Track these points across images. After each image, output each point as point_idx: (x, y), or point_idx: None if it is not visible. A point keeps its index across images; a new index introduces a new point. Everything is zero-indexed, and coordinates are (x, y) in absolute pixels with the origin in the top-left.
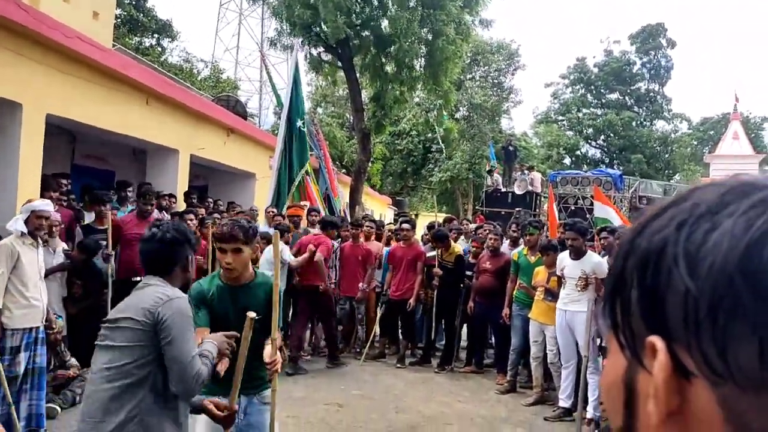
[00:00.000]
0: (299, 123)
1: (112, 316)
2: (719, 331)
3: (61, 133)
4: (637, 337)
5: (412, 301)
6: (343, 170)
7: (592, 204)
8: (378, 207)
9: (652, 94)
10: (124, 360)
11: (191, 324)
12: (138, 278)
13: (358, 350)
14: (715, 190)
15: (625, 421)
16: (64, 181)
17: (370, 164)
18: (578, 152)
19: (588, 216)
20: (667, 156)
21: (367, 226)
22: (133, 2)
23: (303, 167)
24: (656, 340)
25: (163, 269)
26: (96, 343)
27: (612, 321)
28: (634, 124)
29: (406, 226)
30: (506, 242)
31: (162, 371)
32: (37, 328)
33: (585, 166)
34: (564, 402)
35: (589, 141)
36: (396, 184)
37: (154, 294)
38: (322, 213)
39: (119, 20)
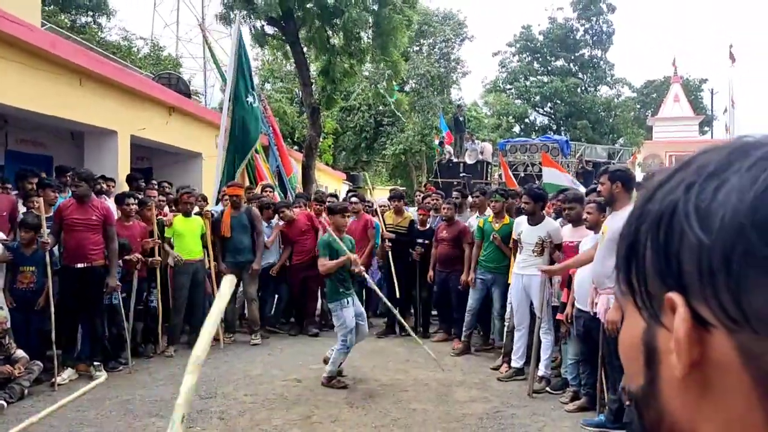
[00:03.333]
0: (249, 98)
1: None
2: (733, 279)
3: None
4: (655, 298)
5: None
6: (295, 147)
7: (540, 170)
8: (332, 183)
9: (595, 60)
10: None
11: None
12: (82, 264)
13: (323, 322)
14: (719, 151)
15: (647, 380)
16: None
17: (321, 140)
18: (527, 120)
19: (537, 182)
20: (611, 121)
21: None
22: None
23: (252, 145)
24: (674, 296)
25: None
26: None
27: (628, 285)
28: (579, 90)
29: (354, 199)
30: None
31: None
32: None
33: (534, 133)
34: (516, 362)
35: (537, 108)
36: (349, 159)
37: None
38: (276, 192)
39: None
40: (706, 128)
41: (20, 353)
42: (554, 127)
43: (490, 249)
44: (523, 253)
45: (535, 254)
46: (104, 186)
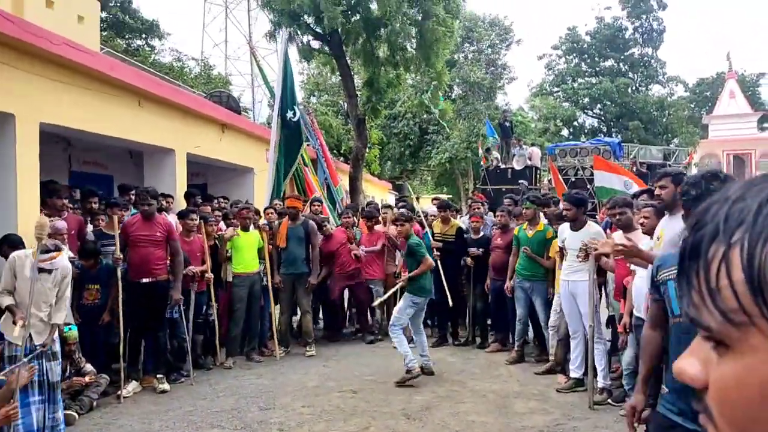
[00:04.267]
0: (289, 114)
1: None
2: None
3: (56, 141)
4: None
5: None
6: (341, 158)
7: (592, 174)
8: (378, 193)
9: (645, 58)
10: None
11: None
12: (147, 279)
13: (376, 332)
14: None
15: None
16: (64, 201)
17: (367, 150)
18: (575, 123)
19: (589, 186)
20: (664, 120)
21: (383, 213)
22: (118, 4)
23: (296, 159)
24: None
25: None
26: None
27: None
28: (629, 90)
29: (403, 210)
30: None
31: None
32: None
33: (583, 136)
34: (575, 372)
35: (586, 111)
36: (395, 168)
37: None
38: (325, 203)
39: (105, 23)
40: (766, 124)
41: (89, 367)
42: (605, 129)
43: (524, 257)
44: (567, 259)
45: (580, 260)
46: (164, 203)
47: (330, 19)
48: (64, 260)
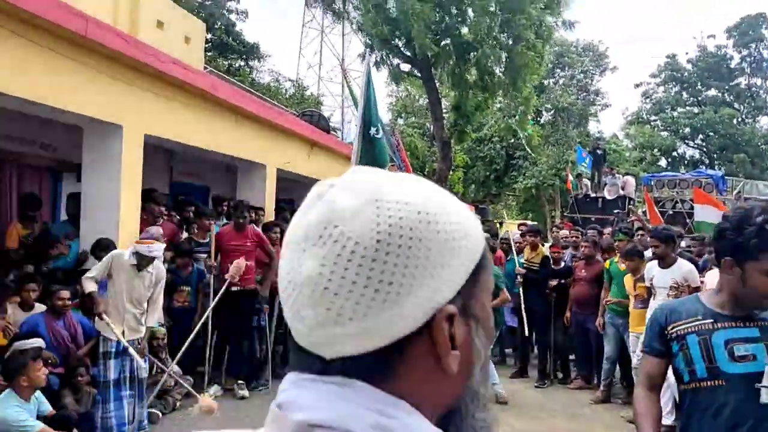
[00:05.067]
0: (372, 130)
1: None
2: None
3: (159, 152)
4: None
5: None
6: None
7: (692, 207)
8: None
9: (753, 89)
10: None
11: None
12: (236, 287)
13: None
14: None
15: None
16: (161, 209)
17: (451, 173)
18: (674, 153)
19: (688, 221)
20: None
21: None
22: (223, 27)
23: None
24: None
25: None
26: None
27: None
28: (735, 121)
29: (486, 235)
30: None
31: None
32: (130, 340)
33: (682, 167)
34: (666, 419)
35: (686, 141)
36: (479, 192)
37: None
38: None
39: (210, 44)
40: None
41: (175, 368)
42: (706, 161)
43: (617, 292)
44: (657, 298)
45: (671, 298)
46: (255, 216)
47: (421, 46)
48: (160, 262)
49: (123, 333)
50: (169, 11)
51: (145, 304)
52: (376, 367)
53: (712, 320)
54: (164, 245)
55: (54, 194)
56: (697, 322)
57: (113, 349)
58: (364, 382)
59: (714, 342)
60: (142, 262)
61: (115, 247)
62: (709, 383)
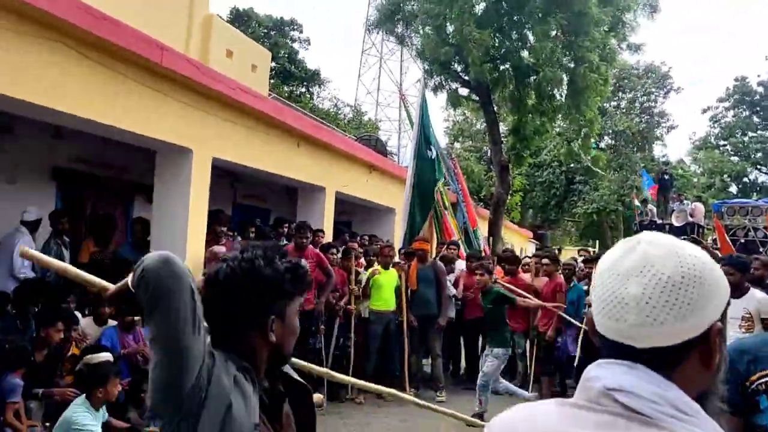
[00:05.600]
0: (428, 152)
1: None
2: None
3: (224, 175)
4: None
5: (550, 332)
6: (481, 203)
7: (766, 236)
8: (518, 241)
9: None
10: None
11: None
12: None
13: (519, 385)
14: None
15: None
16: (224, 229)
17: (509, 197)
18: (745, 179)
19: (762, 249)
20: None
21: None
22: (287, 55)
23: (432, 195)
24: None
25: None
26: None
27: None
28: None
29: (546, 261)
30: None
31: None
32: None
33: (755, 194)
34: None
35: (758, 166)
36: (537, 217)
37: None
38: (462, 247)
39: (274, 72)
40: None
41: None
42: None
43: None
44: (729, 330)
45: (743, 330)
46: (315, 237)
47: (477, 73)
48: None
49: None
50: (238, 41)
51: None
52: (664, 358)
53: None
54: None
55: (126, 215)
56: None
57: None
58: (646, 367)
59: None
60: None
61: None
62: None
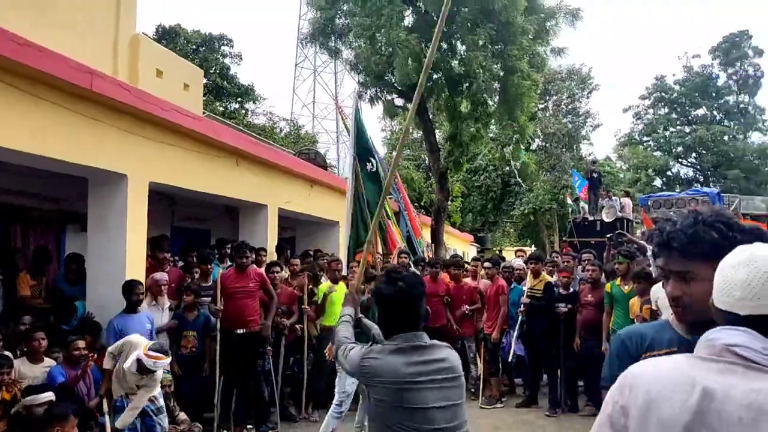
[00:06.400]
0: (368, 165)
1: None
2: None
3: (161, 198)
4: None
5: (494, 334)
6: (422, 211)
7: None
8: (460, 245)
9: (742, 105)
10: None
11: None
12: (242, 330)
13: (473, 391)
14: None
15: None
16: (167, 255)
17: (449, 203)
18: (669, 173)
19: None
20: (767, 169)
21: (471, 265)
22: (218, 71)
23: (375, 208)
24: None
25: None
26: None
27: None
28: (726, 138)
29: (488, 264)
30: None
31: None
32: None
33: (678, 186)
34: None
35: (680, 160)
36: (476, 220)
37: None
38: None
39: (206, 89)
40: None
41: (183, 416)
42: (701, 179)
43: (621, 315)
44: (665, 314)
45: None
46: (257, 256)
47: (403, 76)
48: (160, 372)
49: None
50: (167, 60)
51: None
52: (762, 325)
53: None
54: (169, 359)
55: (59, 246)
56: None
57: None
58: (753, 329)
59: None
60: (143, 372)
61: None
62: None
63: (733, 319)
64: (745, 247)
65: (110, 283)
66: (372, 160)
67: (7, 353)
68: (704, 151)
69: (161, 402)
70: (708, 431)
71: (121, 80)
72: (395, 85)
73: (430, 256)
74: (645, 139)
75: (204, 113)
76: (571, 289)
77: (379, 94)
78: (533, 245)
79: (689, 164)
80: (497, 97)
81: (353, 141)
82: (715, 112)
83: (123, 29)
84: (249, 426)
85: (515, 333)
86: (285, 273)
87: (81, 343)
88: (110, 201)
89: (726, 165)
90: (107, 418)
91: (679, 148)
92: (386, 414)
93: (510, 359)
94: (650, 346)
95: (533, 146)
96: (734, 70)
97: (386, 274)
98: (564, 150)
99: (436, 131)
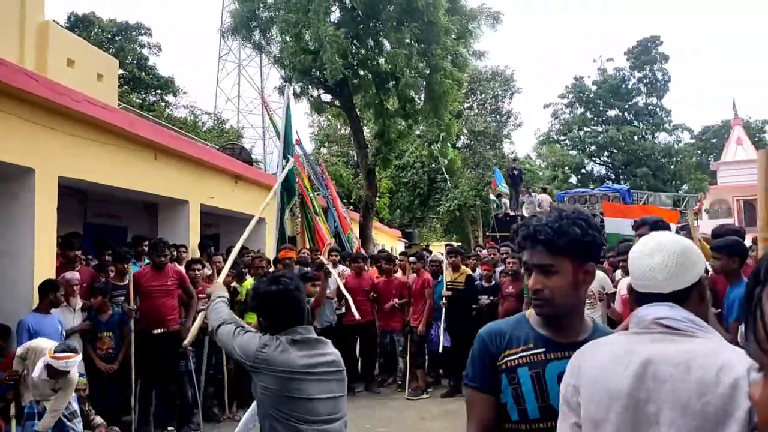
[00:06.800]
0: (283, 161)
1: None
2: None
3: (72, 194)
4: None
5: (420, 326)
6: (351, 207)
7: (602, 221)
8: (388, 240)
9: (650, 107)
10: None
11: None
12: (159, 330)
13: (399, 383)
14: None
15: None
16: (78, 253)
17: (377, 199)
18: (583, 170)
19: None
20: (672, 167)
21: (400, 260)
22: (135, 62)
23: (289, 203)
24: None
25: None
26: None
27: None
28: (636, 138)
29: (413, 259)
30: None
31: None
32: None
33: (591, 183)
34: None
35: (594, 158)
36: (404, 216)
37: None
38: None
39: (122, 80)
40: None
41: (99, 420)
42: (613, 177)
43: None
44: None
45: (588, 307)
46: (176, 253)
47: (332, 71)
48: (75, 371)
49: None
50: (79, 48)
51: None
52: (681, 297)
53: (543, 350)
54: (80, 357)
55: None
56: (530, 353)
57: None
58: (675, 303)
59: (548, 376)
60: (56, 376)
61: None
62: (541, 425)
63: (656, 298)
64: (650, 236)
65: (17, 284)
66: (288, 156)
67: None
68: (616, 150)
69: (75, 406)
70: (646, 393)
71: (26, 69)
72: (321, 80)
73: (361, 251)
74: (562, 138)
75: (119, 105)
76: (493, 282)
77: (305, 89)
78: (459, 240)
79: (602, 162)
80: (423, 95)
81: (283, 139)
82: (626, 113)
83: (30, 15)
84: (170, 428)
85: (442, 325)
86: (208, 270)
87: None
88: (15, 196)
89: (636, 163)
90: (13, 423)
91: (593, 147)
92: (270, 402)
93: (440, 350)
94: (509, 344)
95: (459, 144)
96: (644, 74)
97: (266, 275)
98: (488, 148)
99: (364, 128)
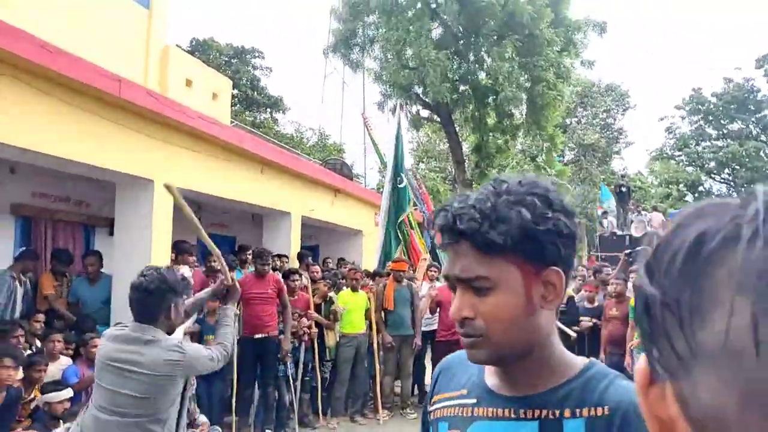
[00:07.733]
0: (397, 179)
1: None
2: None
3: (188, 204)
4: None
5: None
6: None
7: None
8: None
9: None
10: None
11: None
12: (260, 335)
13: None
14: None
15: None
16: (192, 259)
17: None
18: (701, 188)
19: None
20: None
21: None
22: (249, 83)
23: (396, 222)
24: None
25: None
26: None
27: None
28: (762, 154)
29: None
30: None
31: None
32: None
33: None
34: None
35: (713, 175)
36: None
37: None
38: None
39: (236, 99)
40: None
41: (203, 418)
42: (734, 195)
43: None
44: None
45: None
46: (279, 263)
47: (436, 94)
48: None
49: None
50: (197, 70)
51: None
52: None
53: (474, 401)
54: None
55: (87, 249)
56: (456, 402)
57: None
58: None
59: None
60: None
61: None
62: None
63: None
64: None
65: None
66: (402, 175)
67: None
68: (738, 167)
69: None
70: None
71: (149, 88)
72: (421, 96)
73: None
74: (677, 153)
75: (232, 122)
76: (596, 303)
77: (403, 105)
78: None
79: (722, 180)
80: (524, 108)
81: (393, 157)
82: (751, 127)
83: (154, 41)
84: (268, 430)
85: None
86: (305, 280)
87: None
88: (136, 205)
89: (761, 181)
90: None
91: (712, 164)
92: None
93: None
94: (447, 385)
95: (565, 158)
96: None
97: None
98: (596, 164)
99: (462, 143)
